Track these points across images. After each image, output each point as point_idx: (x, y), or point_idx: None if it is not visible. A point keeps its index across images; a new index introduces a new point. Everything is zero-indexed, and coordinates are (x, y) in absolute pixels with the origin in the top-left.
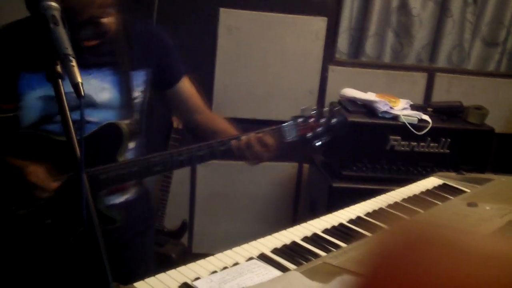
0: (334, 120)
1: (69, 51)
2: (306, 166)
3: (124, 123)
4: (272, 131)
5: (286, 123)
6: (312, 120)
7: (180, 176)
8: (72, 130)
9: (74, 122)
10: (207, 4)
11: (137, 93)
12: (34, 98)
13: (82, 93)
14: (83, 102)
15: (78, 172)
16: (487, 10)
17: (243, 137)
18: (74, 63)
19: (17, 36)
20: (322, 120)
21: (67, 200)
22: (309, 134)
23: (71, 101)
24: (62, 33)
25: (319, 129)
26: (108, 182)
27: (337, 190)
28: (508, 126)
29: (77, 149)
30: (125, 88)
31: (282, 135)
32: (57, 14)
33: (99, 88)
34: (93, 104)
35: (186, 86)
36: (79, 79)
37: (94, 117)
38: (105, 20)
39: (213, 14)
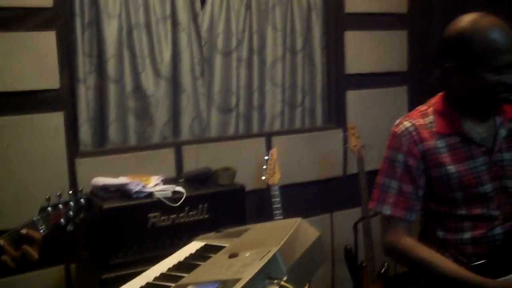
0: (82, 199)
1: None
2: (72, 266)
3: None
4: (26, 227)
5: (36, 217)
6: (60, 206)
7: None
8: None
9: None
10: None
11: None
12: None
13: None
14: None
15: None
16: (215, 80)
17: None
18: None
19: None
20: (70, 203)
21: None
22: (62, 220)
23: None
24: None
25: (70, 212)
26: None
27: (108, 281)
28: (256, 182)
29: None
30: None
31: (36, 228)
32: None
33: None
34: None
35: None
36: None
37: None
38: None
39: None
